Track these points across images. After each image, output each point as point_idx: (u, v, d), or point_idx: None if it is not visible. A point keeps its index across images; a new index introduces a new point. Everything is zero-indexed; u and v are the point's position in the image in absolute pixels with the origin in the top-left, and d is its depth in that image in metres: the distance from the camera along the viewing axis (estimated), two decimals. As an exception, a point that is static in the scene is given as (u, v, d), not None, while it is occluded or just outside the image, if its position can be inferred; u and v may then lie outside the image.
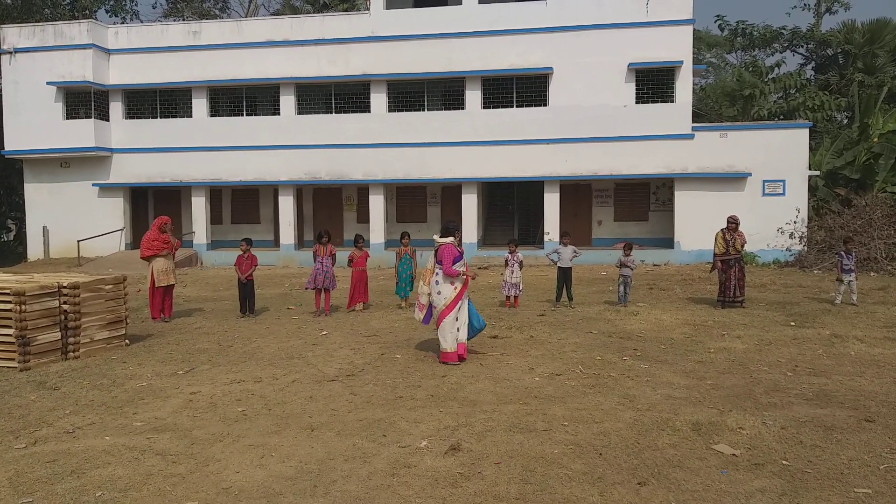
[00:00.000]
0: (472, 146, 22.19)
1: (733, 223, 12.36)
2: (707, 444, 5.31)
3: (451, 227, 8.56)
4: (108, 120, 23.91)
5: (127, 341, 9.46)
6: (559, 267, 12.67)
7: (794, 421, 5.82)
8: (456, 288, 8.16)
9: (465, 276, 8.23)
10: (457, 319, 8.21)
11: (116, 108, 23.96)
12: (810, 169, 21.60)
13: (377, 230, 23.00)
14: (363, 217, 24.28)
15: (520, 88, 22.43)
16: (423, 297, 8.36)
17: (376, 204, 23.03)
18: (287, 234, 23.43)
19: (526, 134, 21.89)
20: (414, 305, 12.82)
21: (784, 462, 4.95)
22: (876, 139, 23.52)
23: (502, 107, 22.44)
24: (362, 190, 24.21)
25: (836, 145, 24.56)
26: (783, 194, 20.89)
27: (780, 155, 20.94)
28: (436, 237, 8.48)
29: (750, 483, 4.60)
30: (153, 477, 4.89)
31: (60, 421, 6.21)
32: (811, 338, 9.36)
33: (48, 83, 23.04)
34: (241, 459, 5.19)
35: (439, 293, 8.17)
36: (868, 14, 54.20)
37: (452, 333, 8.14)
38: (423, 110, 23.04)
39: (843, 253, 12.40)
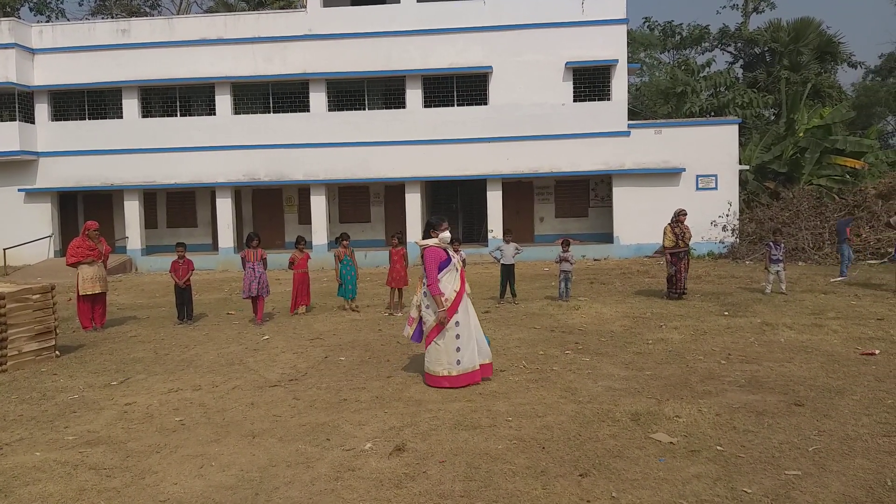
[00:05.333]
0: (414, 145, 22.17)
1: (683, 216, 12.62)
2: (646, 434, 5.44)
3: (433, 222, 7.10)
4: (33, 122, 22.91)
5: (57, 352, 9.07)
6: (502, 264, 12.77)
7: (728, 407, 6.01)
8: (447, 299, 6.86)
9: (457, 290, 6.88)
10: (457, 337, 6.87)
11: (42, 109, 23.00)
12: (741, 163, 22.43)
13: (319, 231, 22.75)
14: (305, 218, 23.96)
15: (460, 87, 22.53)
16: (413, 309, 7.17)
17: (318, 204, 22.76)
18: (226, 237, 22.93)
19: (467, 133, 22.00)
20: (362, 309, 12.79)
21: (719, 448, 5.11)
22: (802, 134, 24.55)
23: (443, 106, 22.49)
24: (303, 190, 23.89)
25: (764, 141, 25.57)
26: (716, 188, 21.58)
27: (712, 150, 21.64)
28: (418, 241, 7.30)
29: (686, 469, 4.73)
30: (86, 492, 4.71)
31: (-15, 438, 5.92)
32: (743, 326, 9.70)
33: (-33, 84, 21.96)
34: (180, 470, 5.04)
35: (427, 306, 6.97)
36: (793, 13, 56.55)
37: (449, 354, 6.86)
38: (364, 109, 22.89)
39: (771, 244, 12.89)
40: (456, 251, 12.13)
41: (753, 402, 6.14)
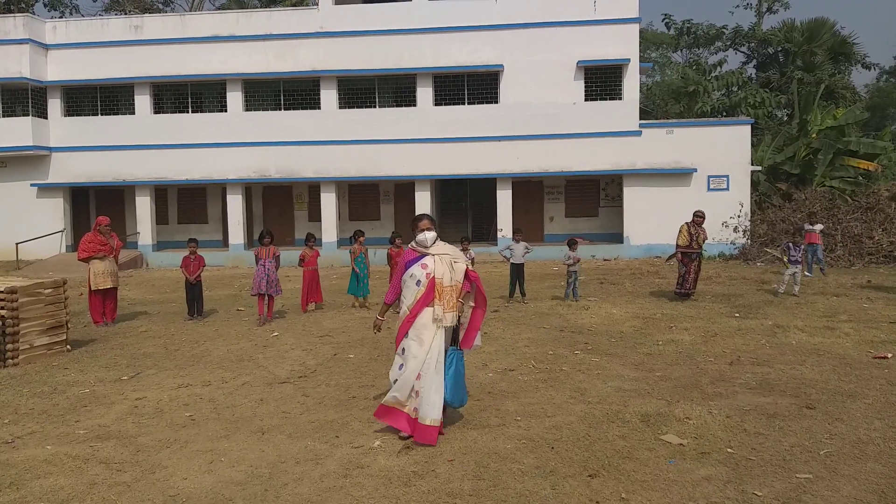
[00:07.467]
0: (424, 143, 22.16)
1: (700, 217, 12.38)
2: (655, 435, 5.41)
3: (416, 219, 5.74)
4: (46, 117, 23.09)
5: (68, 347, 9.13)
6: (512, 263, 12.76)
7: (739, 410, 5.97)
8: (414, 299, 5.43)
9: (423, 289, 5.40)
10: (400, 367, 5.45)
11: (55, 105, 23.17)
12: (752, 164, 22.26)
13: (329, 229, 22.77)
14: (315, 215, 24.01)
15: (471, 86, 22.49)
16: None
17: (328, 202, 22.79)
18: (236, 233, 23.00)
19: (478, 131, 21.97)
20: (373, 307, 12.76)
21: (729, 450, 5.08)
22: (814, 135, 24.36)
23: (454, 104, 22.46)
24: (313, 188, 23.94)
25: (776, 141, 25.37)
26: (727, 189, 21.45)
27: (724, 151, 21.51)
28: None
29: (696, 471, 4.70)
30: (97, 486, 4.74)
31: (-2, 431, 5.97)
32: (755, 328, 9.64)
33: (-19, 79, 22.14)
34: (189, 465, 5.06)
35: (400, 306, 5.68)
36: (807, 13, 56.17)
37: (393, 378, 5.53)
38: (375, 107, 22.90)
39: (790, 244, 12.78)
40: (465, 250, 12.07)
41: (764, 405, 6.10)
